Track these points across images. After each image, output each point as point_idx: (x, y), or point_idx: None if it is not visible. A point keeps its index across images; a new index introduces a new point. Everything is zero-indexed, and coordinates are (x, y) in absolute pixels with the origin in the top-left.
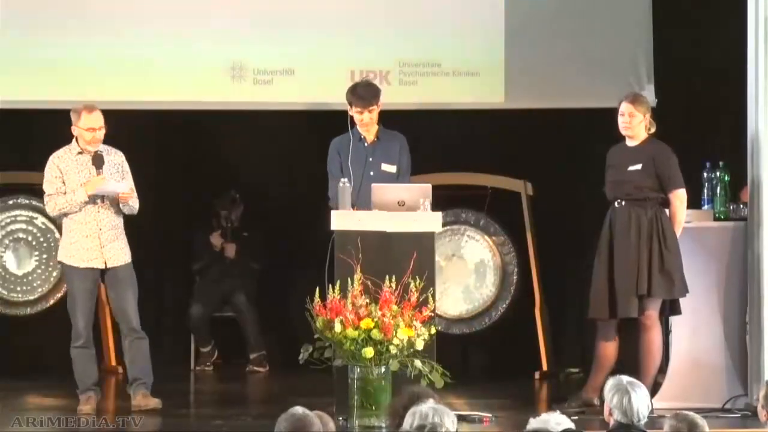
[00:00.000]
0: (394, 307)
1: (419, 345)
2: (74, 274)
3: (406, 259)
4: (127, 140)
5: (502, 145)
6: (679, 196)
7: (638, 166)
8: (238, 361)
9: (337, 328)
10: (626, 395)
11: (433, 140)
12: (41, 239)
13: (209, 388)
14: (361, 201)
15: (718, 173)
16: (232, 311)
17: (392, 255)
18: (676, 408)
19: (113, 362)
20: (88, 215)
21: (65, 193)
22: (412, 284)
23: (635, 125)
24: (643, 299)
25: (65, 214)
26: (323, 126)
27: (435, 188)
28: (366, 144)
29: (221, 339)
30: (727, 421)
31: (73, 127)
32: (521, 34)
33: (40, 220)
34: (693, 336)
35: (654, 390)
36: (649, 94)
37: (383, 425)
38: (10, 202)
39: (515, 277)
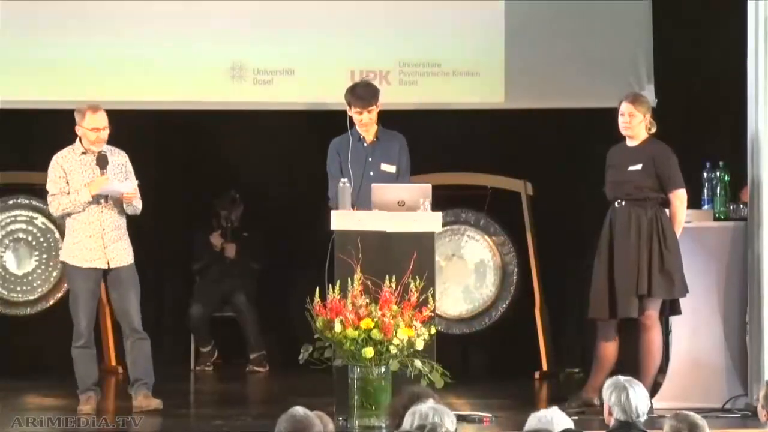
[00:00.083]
0: (394, 307)
1: (419, 345)
2: (77, 274)
3: (406, 259)
4: (127, 140)
5: (502, 145)
6: (679, 196)
7: (638, 166)
8: (238, 361)
9: (337, 328)
10: (624, 392)
11: (433, 140)
12: (41, 239)
13: (209, 388)
14: (361, 201)
15: (718, 173)
16: (232, 311)
17: (392, 255)
18: (676, 408)
19: (113, 362)
20: (91, 215)
21: (69, 193)
22: (412, 284)
23: (635, 125)
24: (643, 299)
25: (68, 214)
26: (323, 126)
27: (435, 188)
28: (365, 144)
29: (221, 339)
30: (727, 421)
31: (77, 127)
32: (521, 34)
33: (40, 220)
34: (693, 336)
35: (654, 390)
36: (649, 94)
37: (383, 425)
38: (10, 202)
39: (515, 277)
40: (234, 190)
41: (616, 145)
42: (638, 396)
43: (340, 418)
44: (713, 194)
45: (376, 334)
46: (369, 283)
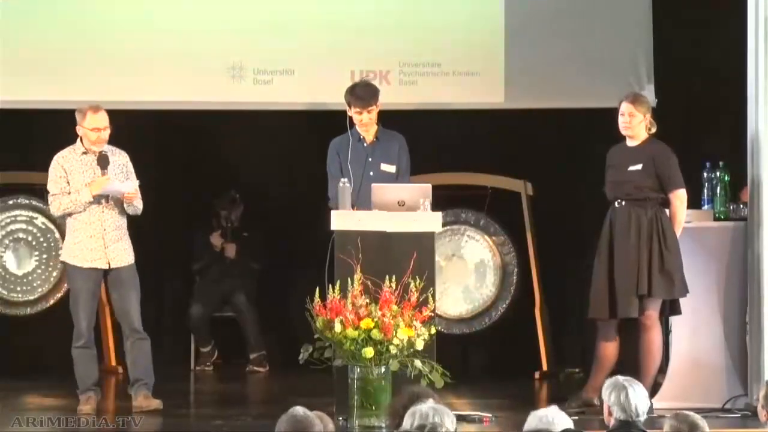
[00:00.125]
0: (394, 307)
1: (419, 345)
2: (77, 274)
3: (406, 259)
4: (127, 140)
5: (502, 145)
6: (679, 196)
7: (638, 166)
8: (238, 361)
9: (337, 328)
10: (623, 391)
11: (433, 140)
12: (41, 239)
13: (209, 388)
14: (361, 201)
15: (718, 173)
16: (232, 311)
17: (392, 255)
18: (676, 408)
19: (113, 362)
20: (92, 215)
21: (70, 193)
22: (412, 284)
23: (635, 125)
24: (643, 299)
25: (69, 214)
26: (323, 126)
27: (435, 188)
28: (365, 144)
29: (221, 339)
30: (727, 421)
31: (78, 127)
32: (521, 34)
33: (40, 220)
34: (693, 336)
35: (654, 390)
36: (649, 94)
37: (383, 425)
38: (10, 202)
39: (515, 277)
40: (234, 190)
41: (616, 145)
42: (638, 395)
43: (340, 418)
44: (713, 194)
45: (376, 334)
46: (369, 283)
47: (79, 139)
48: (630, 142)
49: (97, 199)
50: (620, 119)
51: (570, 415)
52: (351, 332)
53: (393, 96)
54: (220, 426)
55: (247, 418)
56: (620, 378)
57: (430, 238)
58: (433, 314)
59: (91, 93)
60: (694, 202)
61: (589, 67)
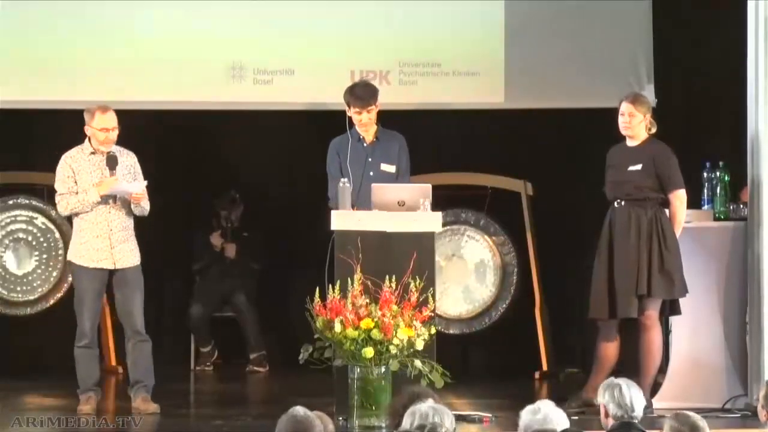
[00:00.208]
0: (394, 307)
1: (419, 345)
2: (83, 273)
3: (406, 259)
4: (128, 140)
5: (502, 145)
6: (679, 197)
7: (638, 167)
8: (238, 361)
9: (337, 328)
10: (617, 388)
11: (433, 140)
12: (41, 239)
13: (209, 388)
14: (361, 201)
15: (718, 173)
16: (232, 311)
17: (392, 255)
18: (676, 408)
19: (113, 362)
20: (99, 215)
21: (77, 193)
22: (412, 284)
23: (635, 125)
24: (643, 299)
25: (76, 214)
26: (323, 126)
27: (435, 188)
28: (365, 144)
29: (221, 339)
30: (727, 421)
31: (86, 127)
32: (521, 34)
33: (40, 220)
34: (693, 336)
35: (654, 390)
36: (649, 94)
37: (383, 425)
38: (10, 202)
39: (515, 277)
40: (234, 190)
41: (616, 145)
42: (632, 392)
43: (340, 418)
44: (713, 194)
45: (376, 334)
46: (369, 283)
47: (87, 139)
48: (630, 142)
49: (105, 200)
50: (620, 119)
51: (570, 415)
52: (351, 332)
53: (393, 96)
54: (220, 426)
55: (247, 418)
56: (613, 378)
57: (430, 238)
58: (433, 314)
59: (91, 93)
60: (694, 202)
61: (589, 67)
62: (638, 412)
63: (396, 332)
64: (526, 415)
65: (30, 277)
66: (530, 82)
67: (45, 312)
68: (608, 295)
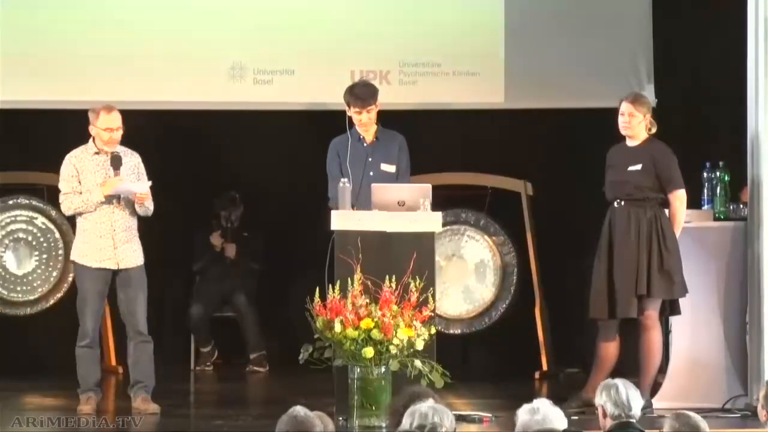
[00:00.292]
0: (394, 307)
1: (419, 345)
2: (86, 273)
3: (406, 259)
4: (128, 140)
5: (502, 145)
6: (679, 197)
7: (638, 167)
8: (238, 361)
9: (337, 328)
10: (614, 388)
11: (433, 140)
12: (41, 239)
13: (209, 388)
14: (361, 201)
15: (718, 173)
16: (232, 311)
17: (392, 255)
18: (676, 408)
19: (113, 362)
20: (102, 215)
21: (81, 193)
22: (412, 284)
23: (635, 125)
24: (643, 299)
25: (80, 214)
26: (323, 126)
27: (435, 188)
28: (365, 144)
29: (221, 339)
30: (727, 421)
31: (90, 127)
32: (521, 34)
33: (40, 220)
34: (693, 336)
35: (654, 390)
36: (649, 94)
37: (383, 425)
38: (10, 202)
39: (515, 277)
40: (234, 190)
41: (616, 145)
42: (628, 390)
43: (340, 418)
44: (713, 194)
45: (376, 334)
46: (369, 283)
47: (91, 139)
48: (630, 142)
49: (109, 200)
50: (620, 119)
51: (570, 415)
52: (351, 332)
53: (393, 96)
54: (220, 426)
55: (247, 418)
56: (610, 379)
57: (430, 238)
58: (433, 314)
59: (91, 93)
60: (694, 202)
61: (589, 67)
62: (636, 411)
63: (396, 332)
64: (524, 414)
65: (30, 277)
66: (530, 82)
67: (45, 312)
68: (608, 295)
